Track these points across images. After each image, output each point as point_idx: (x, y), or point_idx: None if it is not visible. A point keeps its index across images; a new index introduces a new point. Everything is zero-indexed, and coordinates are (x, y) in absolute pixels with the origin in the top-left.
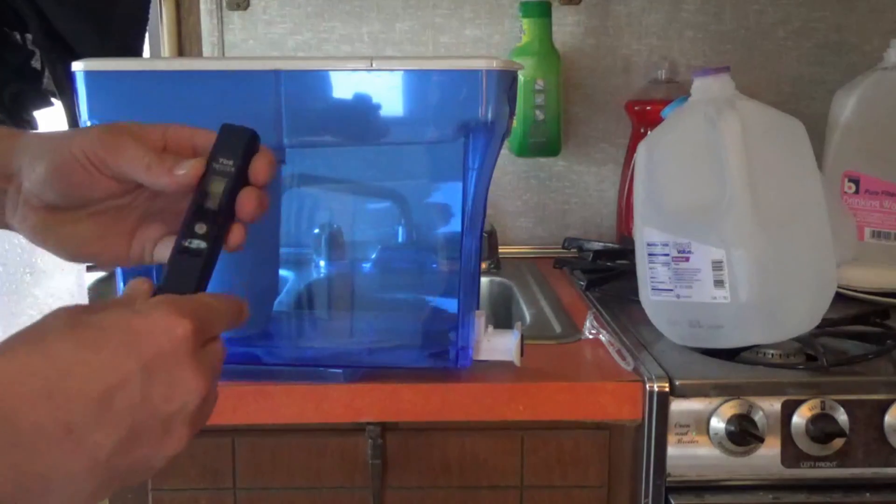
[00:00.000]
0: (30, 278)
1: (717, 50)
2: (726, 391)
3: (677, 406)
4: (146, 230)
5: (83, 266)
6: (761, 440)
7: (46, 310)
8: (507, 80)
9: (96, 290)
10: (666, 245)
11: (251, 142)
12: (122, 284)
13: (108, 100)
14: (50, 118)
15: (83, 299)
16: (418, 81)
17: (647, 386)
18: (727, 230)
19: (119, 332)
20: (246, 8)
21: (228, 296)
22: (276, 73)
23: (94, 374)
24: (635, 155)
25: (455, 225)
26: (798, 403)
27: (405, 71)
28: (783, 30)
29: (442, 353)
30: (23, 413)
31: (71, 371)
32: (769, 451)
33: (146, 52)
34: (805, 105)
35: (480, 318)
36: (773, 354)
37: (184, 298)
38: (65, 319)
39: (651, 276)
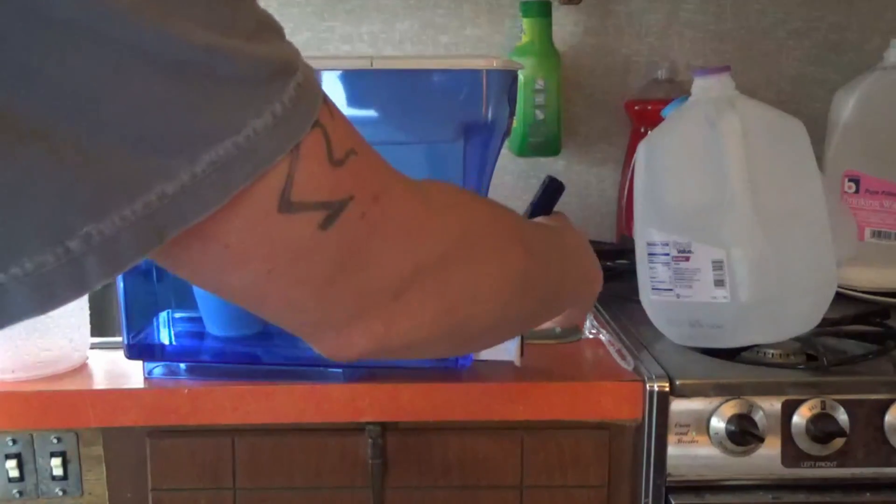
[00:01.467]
0: None
1: (717, 50)
2: (726, 391)
3: (677, 406)
4: None
5: None
6: (761, 440)
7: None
8: (507, 80)
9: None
10: (666, 245)
11: None
12: (122, 284)
13: None
14: None
15: (83, 299)
16: (418, 81)
17: (647, 386)
18: (727, 230)
19: (571, 229)
20: None
21: None
22: None
23: (579, 239)
24: (635, 155)
25: None
26: (798, 403)
27: (405, 71)
28: (783, 30)
29: None
30: (575, 249)
31: (579, 235)
32: (769, 451)
33: None
34: (805, 105)
35: None
36: (773, 354)
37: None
38: (561, 220)
39: (651, 276)
